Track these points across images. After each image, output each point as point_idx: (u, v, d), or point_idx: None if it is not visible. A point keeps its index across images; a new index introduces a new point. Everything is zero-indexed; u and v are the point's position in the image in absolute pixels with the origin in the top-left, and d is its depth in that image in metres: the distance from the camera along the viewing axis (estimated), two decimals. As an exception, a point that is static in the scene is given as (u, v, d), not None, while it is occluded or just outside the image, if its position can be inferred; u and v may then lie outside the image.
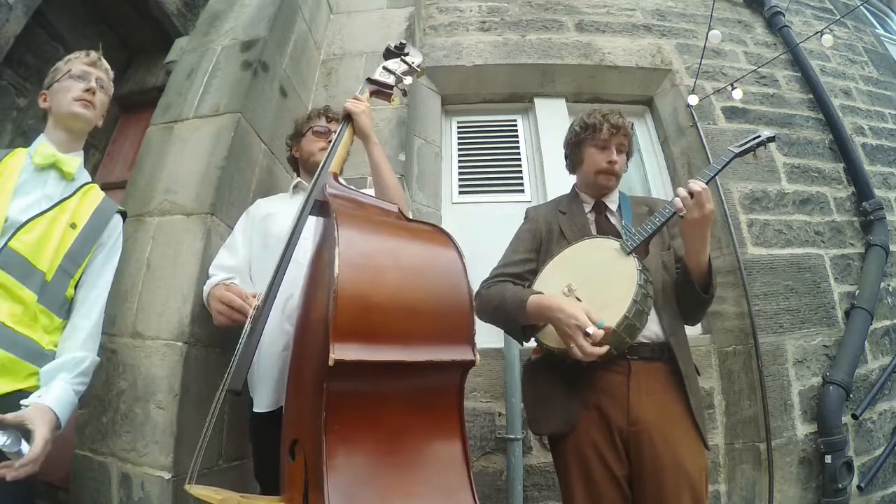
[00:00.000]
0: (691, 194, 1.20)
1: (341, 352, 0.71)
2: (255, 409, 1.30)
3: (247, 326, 0.97)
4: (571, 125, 1.55)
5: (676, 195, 1.23)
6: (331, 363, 0.69)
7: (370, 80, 1.40)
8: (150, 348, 1.40)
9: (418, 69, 1.47)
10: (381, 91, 1.40)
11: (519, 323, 1.29)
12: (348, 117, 1.30)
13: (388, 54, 1.47)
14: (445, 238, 0.92)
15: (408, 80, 1.43)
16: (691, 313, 1.37)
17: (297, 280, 1.16)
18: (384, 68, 1.43)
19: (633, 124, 1.52)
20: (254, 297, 1.13)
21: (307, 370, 0.88)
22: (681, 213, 1.20)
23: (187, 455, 1.00)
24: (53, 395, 0.99)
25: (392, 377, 0.77)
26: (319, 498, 0.69)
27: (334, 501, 0.67)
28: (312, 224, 1.14)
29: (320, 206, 1.05)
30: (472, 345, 0.82)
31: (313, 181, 1.12)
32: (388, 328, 0.77)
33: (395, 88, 1.41)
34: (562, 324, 1.16)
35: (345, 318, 0.73)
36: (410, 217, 1.11)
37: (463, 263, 0.87)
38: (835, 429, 2.01)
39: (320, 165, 1.17)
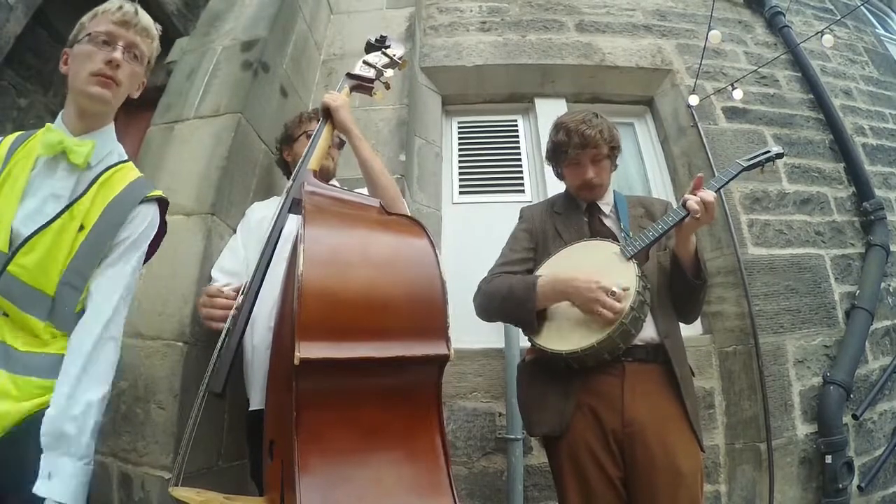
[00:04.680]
0: (706, 205, 1.22)
1: (307, 350, 0.69)
2: (250, 408, 1.30)
3: (226, 327, 0.95)
4: (549, 138, 1.52)
5: (687, 201, 1.24)
6: (296, 362, 0.68)
7: (350, 75, 1.36)
8: (150, 348, 1.40)
9: (400, 61, 1.42)
10: (361, 85, 1.36)
11: (530, 308, 1.27)
12: (327, 112, 1.26)
13: (369, 48, 1.44)
14: (418, 229, 0.89)
15: (389, 72, 1.40)
16: (686, 307, 1.36)
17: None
18: (364, 62, 1.39)
19: (611, 125, 1.47)
20: (236, 291, 1.11)
21: (281, 369, 0.86)
22: (696, 216, 1.23)
23: (189, 455, 1.00)
24: (60, 486, 0.80)
25: (364, 374, 0.75)
26: (293, 499, 0.67)
27: (307, 502, 0.65)
28: (297, 223, 1.13)
29: (298, 205, 1.02)
30: (446, 338, 0.79)
31: (292, 179, 1.10)
32: (356, 324, 0.74)
33: (376, 82, 1.37)
34: (582, 291, 1.20)
35: (310, 315, 0.71)
36: (405, 212, 1.09)
37: (436, 254, 0.83)
38: (835, 429, 2.00)
39: (299, 163, 1.14)
